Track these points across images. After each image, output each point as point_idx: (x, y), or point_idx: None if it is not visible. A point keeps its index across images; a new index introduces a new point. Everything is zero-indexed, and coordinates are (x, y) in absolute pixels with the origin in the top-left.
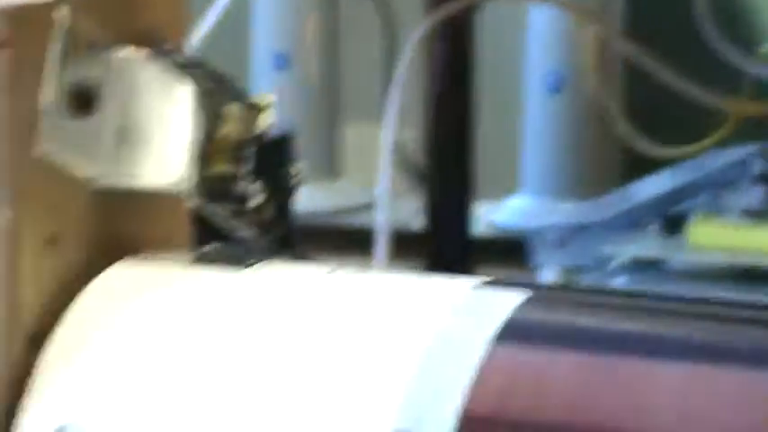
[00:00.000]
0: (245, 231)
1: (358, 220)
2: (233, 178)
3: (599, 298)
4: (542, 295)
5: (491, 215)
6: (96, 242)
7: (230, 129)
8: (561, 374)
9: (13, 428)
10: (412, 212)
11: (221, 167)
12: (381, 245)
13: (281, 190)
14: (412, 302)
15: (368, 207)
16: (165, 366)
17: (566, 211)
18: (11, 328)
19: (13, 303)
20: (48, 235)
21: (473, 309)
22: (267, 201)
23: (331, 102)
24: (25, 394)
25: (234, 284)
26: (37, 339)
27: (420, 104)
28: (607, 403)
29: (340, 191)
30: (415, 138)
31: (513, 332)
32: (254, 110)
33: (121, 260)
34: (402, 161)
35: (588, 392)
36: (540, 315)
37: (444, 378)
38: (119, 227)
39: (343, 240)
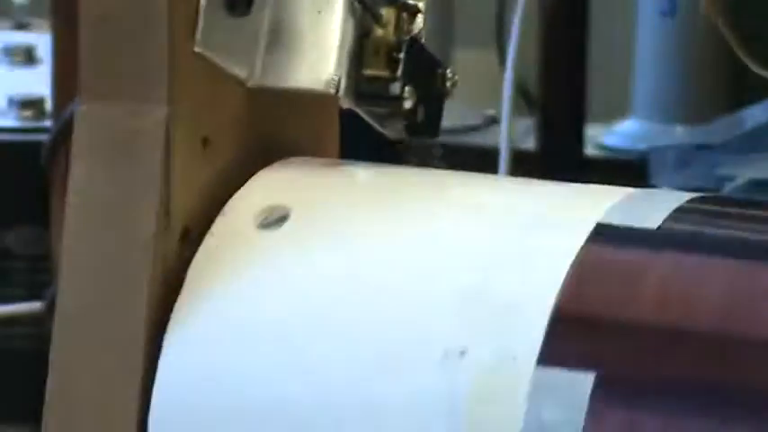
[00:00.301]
0: (397, 135)
1: (465, 140)
2: (386, 81)
3: (749, 209)
4: (693, 204)
5: (602, 138)
6: (248, 144)
7: (384, 31)
8: (714, 282)
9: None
10: (521, 133)
11: (374, 70)
12: (504, 162)
13: (432, 95)
14: (584, 192)
15: (476, 128)
16: (329, 264)
17: (680, 134)
18: (164, 225)
19: (167, 201)
20: (201, 135)
21: (628, 209)
22: (418, 105)
23: (443, 24)
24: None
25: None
26: (189, 237)
27: (531, 28)
28: (759, 312)
29: (451, 111)
30: (522, 60)
31: (665, 238)
32: (407, 13)
33: (274, 163)
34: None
35: (740, 302)
36: (692, 223)
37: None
38: (270, 129)
39: (454, 159)
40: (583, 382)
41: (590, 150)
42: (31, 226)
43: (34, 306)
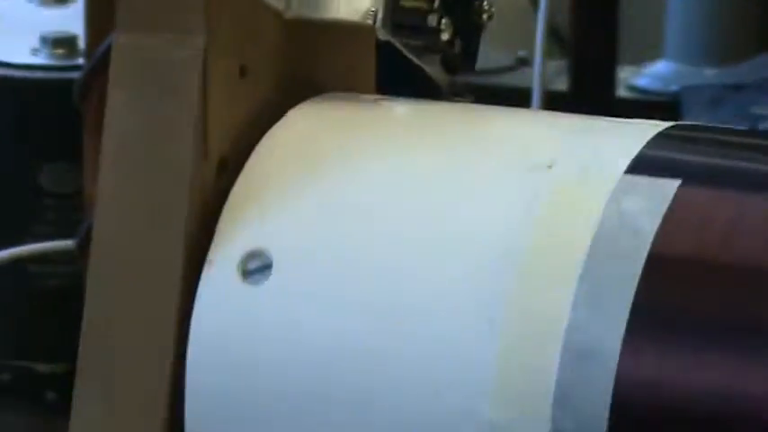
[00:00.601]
0: (433, 67)
1: (496, 81)
2: (423, 12)
3: None
4: (732, 137)
5: (634, 80)
6: (285, 76)
7: None
8: (756, 216)
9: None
10: (552, 75)
11: (412, 1)
12: (536, 103)
13: (469, 27)
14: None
15: (507, 69)
16: (357, 200)
17: (712, 75)
18: (201, 155)
19: (204, 130)
20: (238, 65)
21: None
22: (455, 37)
23: None
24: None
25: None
26: (226, 167)
27: None
28: None
29: (482, 52)
30: (554, 1)
31: (704, 172)
32: None
33: (312, 97)
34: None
35: None
36: (733, 158)
37: None
38: (307, 62)
39: (486, 100)
40: (668, 184)
41: (621, 92)
42: (62, 164)
43: (66, 244)
